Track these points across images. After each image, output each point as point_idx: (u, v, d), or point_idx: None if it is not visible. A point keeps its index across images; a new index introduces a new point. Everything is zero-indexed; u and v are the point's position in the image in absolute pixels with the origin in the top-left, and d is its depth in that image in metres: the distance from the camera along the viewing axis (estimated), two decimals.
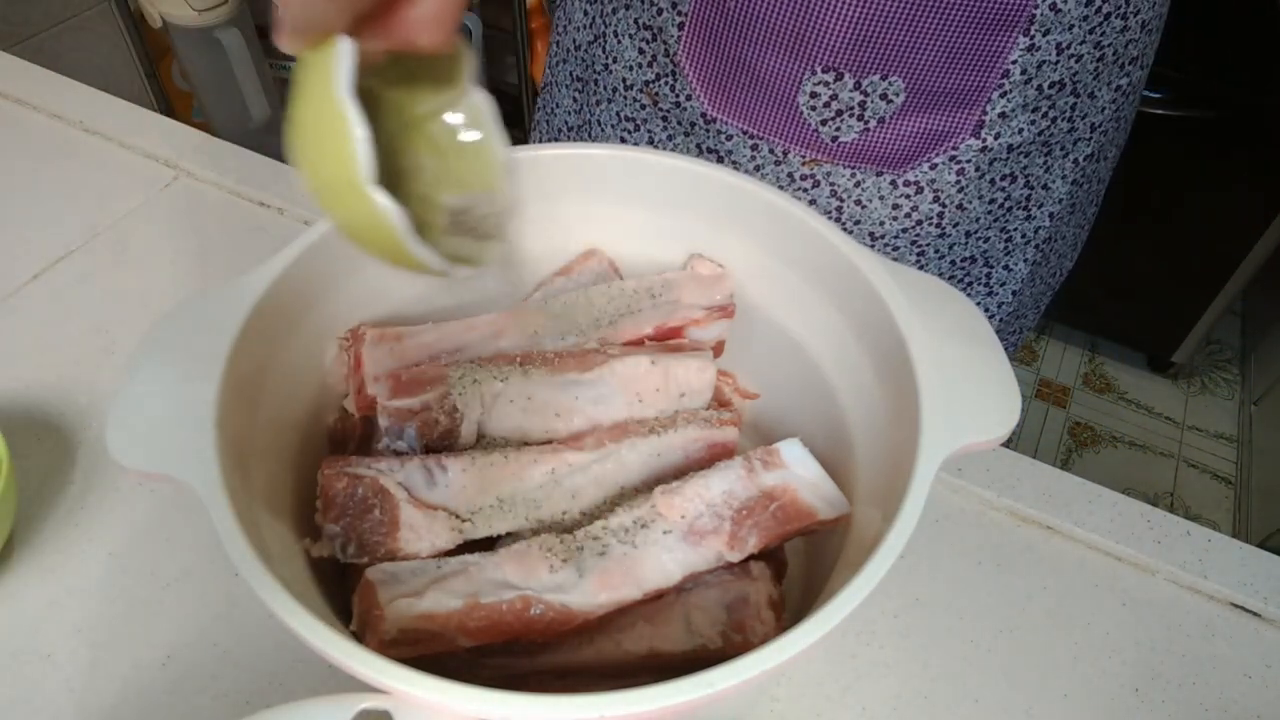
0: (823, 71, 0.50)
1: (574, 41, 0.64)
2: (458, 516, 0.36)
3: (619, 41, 0.59)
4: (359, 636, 0.32)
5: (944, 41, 0.48)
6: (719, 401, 0.44)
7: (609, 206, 0.44)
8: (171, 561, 0.45)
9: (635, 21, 0.57)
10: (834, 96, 0.51)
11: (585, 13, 0.62)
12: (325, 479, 0.35)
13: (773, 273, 0.43)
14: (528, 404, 0.39)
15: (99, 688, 0.40)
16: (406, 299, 0.43)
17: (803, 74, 0.51)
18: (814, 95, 0.51)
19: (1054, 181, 0.58)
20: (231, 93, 1.65)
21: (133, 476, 0.31)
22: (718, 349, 0.44)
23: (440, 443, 0.38)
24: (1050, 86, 0.51)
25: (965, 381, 0.34)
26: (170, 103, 1.76)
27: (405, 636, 0.31)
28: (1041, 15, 0.48)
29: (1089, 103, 0.55)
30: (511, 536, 0.36)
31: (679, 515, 0.35)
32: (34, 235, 0.63)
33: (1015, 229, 0.59)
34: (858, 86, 0.50)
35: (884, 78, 0.50)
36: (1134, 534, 0.49)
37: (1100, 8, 0.49)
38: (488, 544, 0.36)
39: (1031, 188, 0.57)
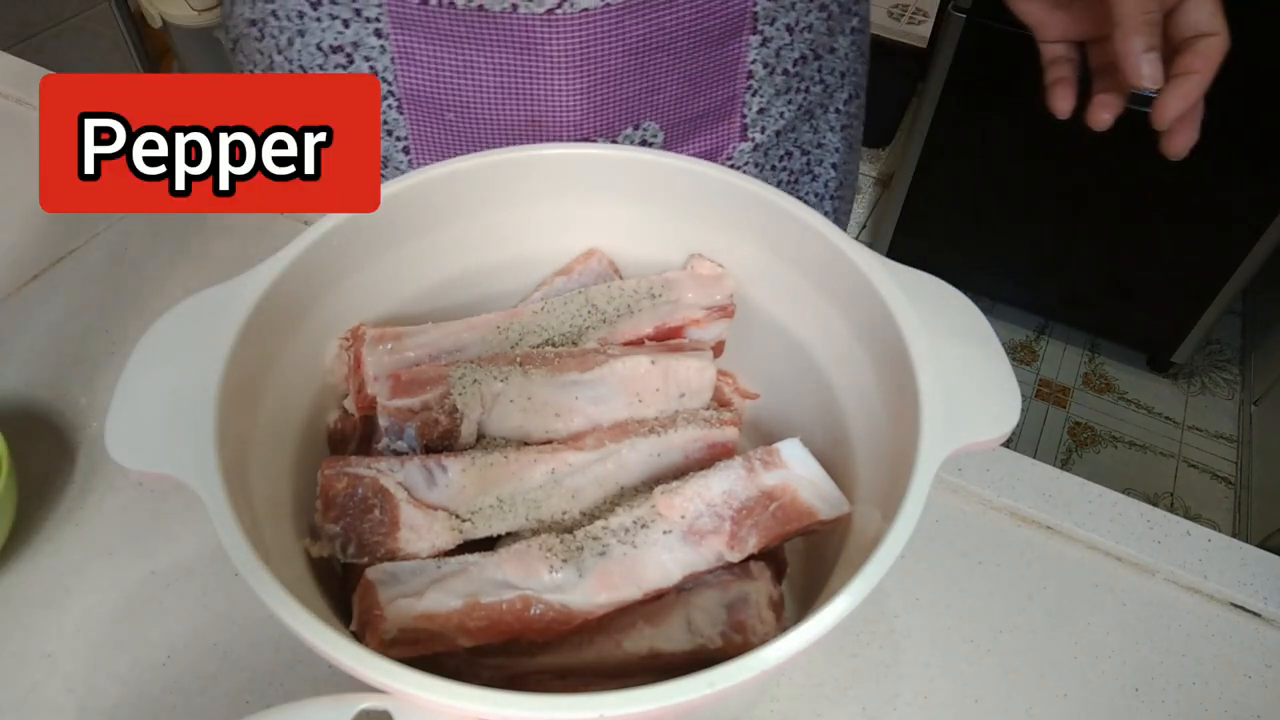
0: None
1: None
2: (458, 516, 0.36)
3: None
4: (359, 636, 0.32)
5: (681, 73, 0.48)
6: (719, 401, 0.44)
7: (609, 206, 0.44)
8: (171, 561, 0.45)
9: None
10: None
11: None
12: (325, 479, 0.35)
13: (773, 273, 0.43)
14: (528, 404, 0.39)
15: (99, 688, 0.41)
16: (406, 299, 0.43)
17: None
18: (531, 146, 0.51)
19: (826, 137, 0.59)
20: None
21: (133, 476, 0.31)
22: (718, 349, 0.44)
23: (440, 443, 0.38)
24: (794, 64, 0.52)
25: (965, 381, 0.34)
26: None
27: (405, 636, 0.31)
28: (763, 9, 0.48)
29: (831, 57, 0.55)
30: (511, 536, 0.36)
31: (679, 515, 0.35)
32: (34, 235, 0.63)
33: (807, 191, 0.60)
34: (614, 143, 0.50)
35: (636, 127, 0.50)
36: (1134, 534, 0.49)
37: None
38: (488, 544, 0.36)
39: (808, 152, 0.58)
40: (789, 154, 0.56)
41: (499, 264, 0.45)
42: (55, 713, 0.40)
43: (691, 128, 0.51)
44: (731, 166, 0.53)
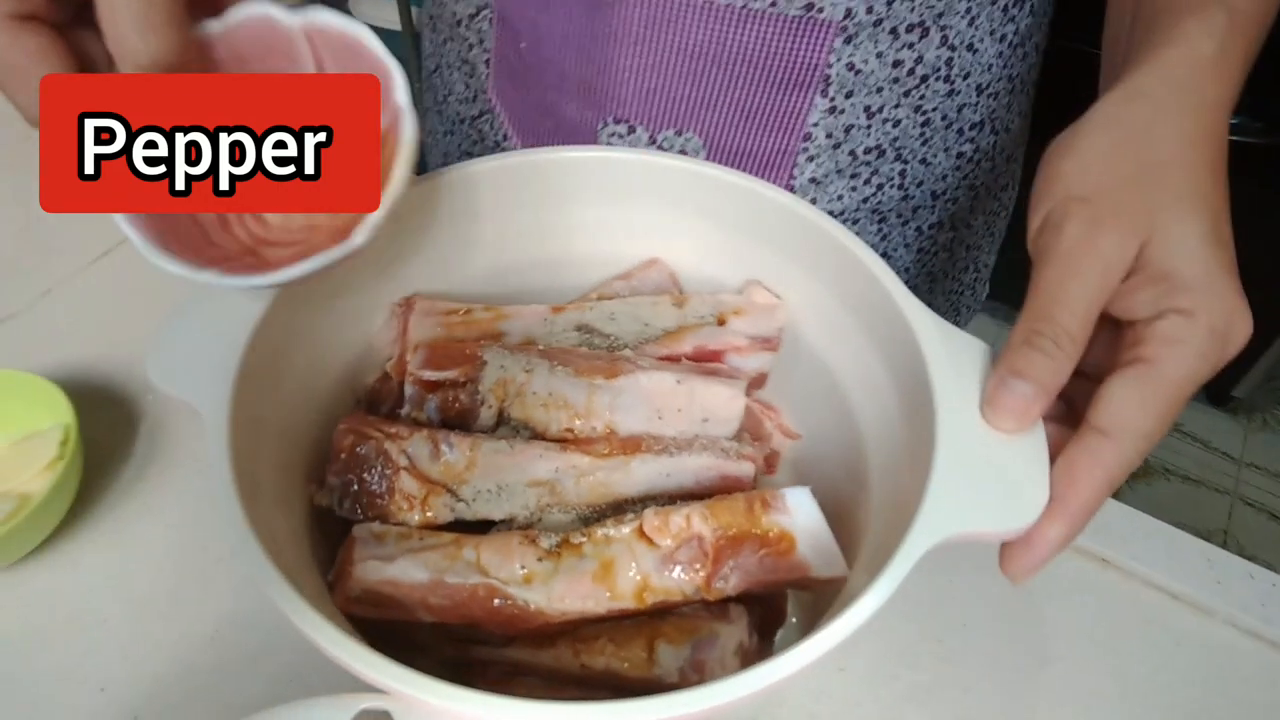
0: (614, 123, 0.48)
1: (426, 69, 0.64)
2: (455, 494, 0.36)
3: (450, 74, 0.59)
4: (332, 588, 0.33)
5: (736, 100, 0.46)
6: (757, 436, 0.43)
7: (676, 218, 0.43)
8: (223, 537, 0.47)
9: (458, 54, 0.56)
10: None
11: (430, 40, 0.61)
12: (337, 434, 0.36)
13: (829, 314, 0.41)
14: (549, 399, 0.39)
15: (149, 655, 0.41)
16: (466, 277, 0.44)
17: (597, 124, 0.49)
18: (611, 147, 0.49)
19: (895, 251, 0.54)
20: None
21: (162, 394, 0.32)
22: (759, 381, 0.43)
23: (458, 420, 0.39)
24: (866, 152, 0.48)
25: (987, 467, 0.31)
26: None
27: (368, 597, 0.32)
28: (839, 75, 0.45)
29: (922, 169, 0.51)
30: (505, 525, 0.36)
31: (664, 540, 0.34)
32: (103, 215, 0.65)
33: None
34: (653, 141, 0.49)
35: (679, 133, 0.48)
36: (1193, 572, 0.46)
37: (913, 69, 0.45)
38: (483, 529, 0.36)
39: None
40: None
41: (560, 258, 0.45)
42: (107, 676, 0.41)
43: (735, 162, 0.49)
44: None
